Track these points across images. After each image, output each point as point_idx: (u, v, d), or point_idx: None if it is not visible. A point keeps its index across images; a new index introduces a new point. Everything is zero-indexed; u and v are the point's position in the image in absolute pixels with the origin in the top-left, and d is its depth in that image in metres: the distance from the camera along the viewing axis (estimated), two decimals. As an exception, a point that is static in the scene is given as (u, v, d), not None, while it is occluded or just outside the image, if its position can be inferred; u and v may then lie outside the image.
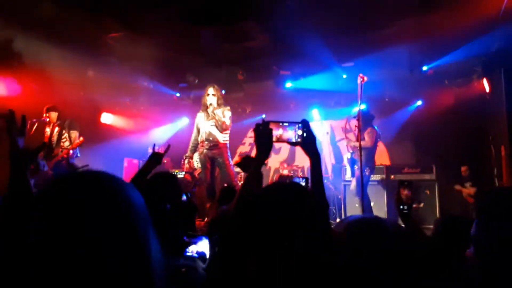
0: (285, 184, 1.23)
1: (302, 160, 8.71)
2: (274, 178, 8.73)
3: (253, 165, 1.64)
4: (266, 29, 6.55)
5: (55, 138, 6.13)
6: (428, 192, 6.81)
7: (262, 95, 9.33)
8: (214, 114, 5.32)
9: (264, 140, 1.63)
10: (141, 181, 2.11)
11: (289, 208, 1.10)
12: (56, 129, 6.15)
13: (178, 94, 9.42)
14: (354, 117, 5.93)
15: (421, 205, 6.72)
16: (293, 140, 1.67)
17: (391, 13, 5.90)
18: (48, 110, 6.19)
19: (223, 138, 5.42)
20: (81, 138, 6.08)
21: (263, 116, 9.88)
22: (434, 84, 7.81)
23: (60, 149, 6.05)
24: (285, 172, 7.99)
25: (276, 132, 1.67)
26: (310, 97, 9.12)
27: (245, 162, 1.92)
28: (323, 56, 7.27)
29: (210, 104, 5.35)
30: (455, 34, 6.09)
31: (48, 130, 6.21)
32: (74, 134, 6.15)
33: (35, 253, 0.64)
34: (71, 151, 6.02)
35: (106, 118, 9.24)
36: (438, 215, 6.43)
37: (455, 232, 1.98)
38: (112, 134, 9.07)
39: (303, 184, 2.41)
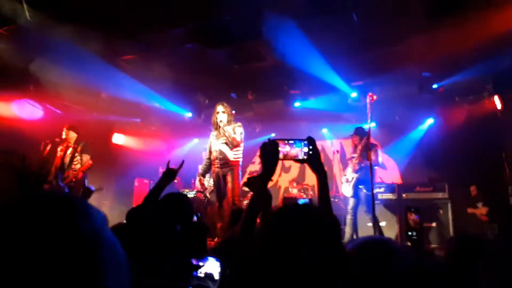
0: (289, 205, 1.25)
1: (312, 178, 8.65)
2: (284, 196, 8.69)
3: (258, 183, 1.65)
4: (276, 49, 6.63)
5: (67, 159, 6.16)
6: (441, 211, 6.70)
7: (271, 114, 9.37)
8: (224, 131, 5.28)
9: (270, 157, 1.65)
10: (154, 201, 2.12)
11: (292, 223, 1.11)
12: (70, 150, 6.18)
13: (190, 115, 9.50)
14: (350, 136, 6.43)
15: (433, 224, 6.60)
16: (300, 158, 1.69)
17: (400, 30, 5.93)
18: (69, 128, 6.24)
19: (233, 155, 5.33)
20: (90, 161, 6.10)
21: (273, 135, 9.92)
22: (444, 102, 7.79)
23: (71, 171, 6.08)
24: (295, 191, 7.95)
25: (283, 150, 1.69)
26: (319, 115, 9.14)
27: (252, 181, 1.93)
28: (332, 75, 7.32)
29: (220, 121, 5.31)
30: (465, 52, 6.09)
31: (59, 150, 6.23)
32: (86, 157, 6.17)
33: None
34: (80, 174, 6.05)
35: (118, 138, 9.35)
36: (451, 234, 6.30)
37: (470, 251, 1.95)
38: (123, 154, 9.17)
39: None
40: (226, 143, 5.30)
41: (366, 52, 6.67)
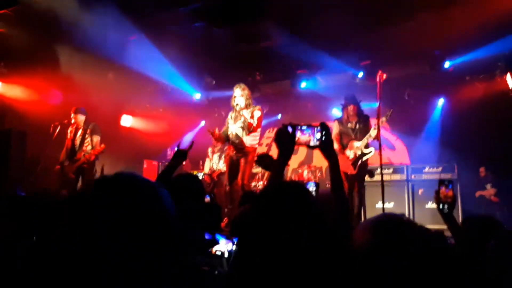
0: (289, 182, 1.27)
1: (320, 160, 8.66)
2: (293, 178, 8.71)
3: (273, 164, 1.66)
4: (283, 28, 6.53)
5: (78, 141, 6.12)
6: (450, 191, 6.67)
7: (278, 95, 9.32)
8: (241, 115, 5.12)
9: (286, 142, 1.65)
10: (166, 179, 2.15)
11: (292, 203, 1.12)
12: (80, 132, 6.15)
13: (198, 96, 9.45)
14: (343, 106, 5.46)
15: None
16: (312, 144, 1.69)
17: (412, 6, 5.80)
18: (76, 112, 6.15)
19: (250, 141, 5.16)
20: (103, 145, 6.05)
21: (279, 116, 9.89)
22: (455, 81, 7.65)
23: (82, 153, 6.02)
24: (304, 173, 7.96)
25: (295, 135, 1.69)
26: (327, 95, 9.06)
27: (264, 159, 1.94)
28: (340, 54, 7.22)
29: (237, 104, 5.15)
30: (477, 30, 5.95)
31: (69, 132, 6.21)
32: (96, 138, 6.12)
33: (67, 251, 0.67)
34: (93, 156, 6.02)
35: (126, 120, 9.39)
36: (460, 215, 6.30)
37: (481, 231, 1.94)
38: (131, 136, 9.20)
39: (313, 188, 2.42)
40: (242, 127, 5.14)
41: (375, 29, 6.54)
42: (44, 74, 6.92)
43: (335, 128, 5.39)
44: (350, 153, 5.25)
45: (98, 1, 5.40)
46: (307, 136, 1.68)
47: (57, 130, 6.25)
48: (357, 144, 5.21)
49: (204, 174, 7.50)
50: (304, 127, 1.69)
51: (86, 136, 6.10)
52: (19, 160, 6.59)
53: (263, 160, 1.92)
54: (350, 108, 5.26)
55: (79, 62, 7.03)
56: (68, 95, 7.19)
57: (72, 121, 6.15)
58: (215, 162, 7.48)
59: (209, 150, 7.81)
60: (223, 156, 7.03)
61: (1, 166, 6.20)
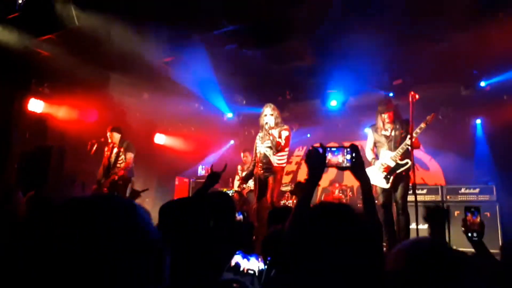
0: (338, 204, 1.24)
1: (351, 179, 8.53)
2: (323, 197, 8.62)
3: (306, 187, 1.67)
4: (314, 48, 6.59)
5: (113, 159, 6.40)
6: (488, 214, 6.40)
7: (308, 114, 9.33)
8: (270, 134, 5.12)
9: (317, 163, 1.66)
10: (200, 199, 2.20)
11: (335, 225, 1.11)
12: (115, 150, 6.42)
13: (230, 115, 9.61)
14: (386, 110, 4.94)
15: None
16: (343, 165, 1.70)
17: (446, 25, 5.71)
18: (112, 130, 6.47)
19: (277, 160, 5.13)
20: (128, 160, 6.28)
21: (308, 135, 9.86)
22: (492, 101, 7.43)
23: (116, 170, 6.30)
24: (336, 192, 7.86)
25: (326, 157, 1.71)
26: (358, 115, 8.99)
27: (298, 188, 1.95)
28: (372, 74, 7.18)
29: (266, 123, 5.17)
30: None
31: (106, 150, 6.49)
32: (129, 155, 6.36)
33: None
34: (121, 172, 6.25)
35: (159, 138, 9.64)
36: (500, 238, 6.01)
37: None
38: (164, 154, 9.42)
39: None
40: (270, 147, 5.14)
41: (407, 49, 6.49)
42: (83, 94, 7.25)
43: (369, 137, 5.14)
44: (379, 165, 4.85)
45: (134, 23, 5.64)
46: (338, 157, 1.69)
47: (95, 148, 6.52)
48: (390, 154, 4.81)
49: (234, 192, 7.58)
50: (334, 149, 1.71)
51: (121, 154, 6.35)
52: (58, 176, 6.90)
53: (298, 189, 1.95)
54: (385, 115, 4.89)
55: (116, 82, 7.35)
56: (105, 114, 7.49)
57: (109, 139, 6.43)
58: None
59: (239, 167, 7.94)
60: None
61: (40, 181, 6.49)
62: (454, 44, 6.11)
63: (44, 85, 7.12)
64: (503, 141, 7.19)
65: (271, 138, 5.09)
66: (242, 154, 8.08)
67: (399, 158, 4.75)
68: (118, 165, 6.33)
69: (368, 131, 5.19)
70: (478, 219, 2.01)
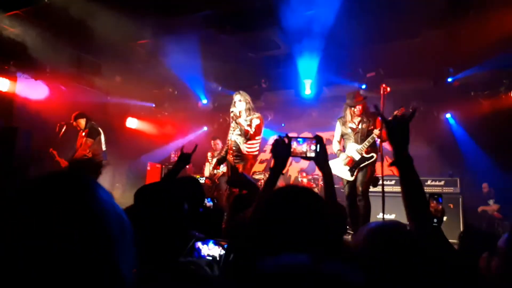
0: (297, 186, 1.26)
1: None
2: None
3: (270, 174, 1.71)
4: (290, 38, 6.60)
5: (79, 144, 6.30)
6: (451, 206, 6.66)
7: (283, 103, 9.38)
8: (237, 122, 5.12)
9: (281, 153, 1.71)
10: (171, 181, 2.18)
11: (300, 208, 1.13)
12: (83, 134, 6.28)
13: (205, 101, 9.51)
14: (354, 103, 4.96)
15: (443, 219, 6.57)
16: (308, 155, 1.74)
17: (418, 22, 5.84)
18: (76, 118, 6.31)
19: (247, 148, 5.12)
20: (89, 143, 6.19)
21: (282, 125, 9.93)
22: (459, 96, 7.68)
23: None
24: (305, 181, 7.97)
25: (292, 146, 1.75)
26: (332, 105, 9.10)
27: (235, 179, 1.97)
28: (346, 65, 7.27)
29: (231, 112, 5.16)
30: (482, 46, 5.99)
31: (78, 136, 6.39)
32: (89, 141, 6.22)
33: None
34: (81, 153, 6.15)
35: (131, 122, 9.46)
36: (461, 229, 6.28)
37: (479, 246, 1.96)
38: (136, 138, 9.27)
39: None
40: (240, 135, 5.14)
41: (381, 43, 6.61)
42: (52, 73, 7.01)
43: (337, 129, 5.19)
44: (345, 157, 4.91)
45: (109, 4, 5.47)
46: (303, 147, 1.75)
47: (63, 130, 6.35)
48: (356, 147, 4.87)
49: (205, 178, 7.58)
50: (299, 139, 1.76)
51: (84, 139, 6.20)
52: (24, 158, 6.67)
53: (235, 180, 1.97)
54: (356, 108, 4.88)
55: (88, 63, 7.13)
56: (74, 95, 7.27)
57: (77, 128, 6.32)
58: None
59: (209, 154, 7.95)
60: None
61: (6, 163, 6.27)
62: (425, 40, 6.26)
63: (10, 63, 6.82)
64: (469, 136, 7.46)
65: (239, 126, 5.09)
66: (212, 142, 8.05)
67: (365, 151, 4.82)
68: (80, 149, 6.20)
69: (336, 123, 5.23)
70: (441, 206, 2.11)
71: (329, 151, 1.90)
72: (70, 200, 0.66)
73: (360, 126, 4.94)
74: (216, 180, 7.44)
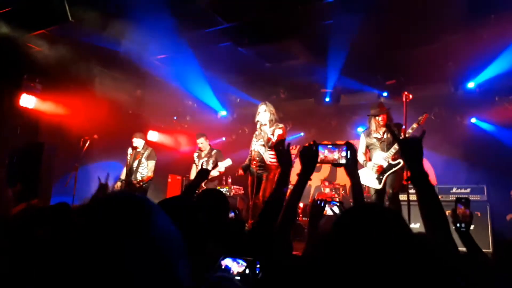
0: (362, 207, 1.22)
1: (344, 179, 8.58)
2: (315, 196, 8.65)
3: (297, 181, 1.71)
4: (308, 47, 6.61)
5: (135, 163, 6.74)
6: (479, 214, 6.47)
7: (302, 113, 9.36)
8: (262, 130, 5.17)
9: (309, 160, 1.71)
10: (190, 196, 2.20)
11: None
12: (138, 155, 6.77)
13: (224, 113, 9.61)
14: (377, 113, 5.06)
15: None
16: (338, 162, 1.73)
17: (438, 28, 5.77)
18: (137, 137, 6.85)
19: (270, 158, 5.17)
20: (151, 175, 6.77)
21: (301, 134, 9.90)
22: (483, 102, 7.51)
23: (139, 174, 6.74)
24: (327, 190, 7.90)
25: (321, 154, 1.74)
26: (351, 114, 9.04)
27: (282, 150, 1.95)
28: (365, 73, 7.22)
29: (257, 121, 5.21)
30: (504, 51, 5.87)
31: (129, 154, 6.86)
32: (151, 163, 6.81)
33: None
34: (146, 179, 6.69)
35: (152, 136, 9.60)
36: (490, 238, 6.08)
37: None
38: (157, 151, 9.39)
39: (337, 209, 2.40)
40: (263, 145, 5.18)
41: (400, 50, 6.54)
42: (76, 90, 7.20)
43: (361, 142, 5.25)
44: (372, 165, 4.96)
45: (128, 21, 5.61)
46: (334, 154, 1.74)
47: (87, 144, 6.50)
48: (383, 155, 4.93)
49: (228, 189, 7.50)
50: (330, 146, 1.75)
51: (143, 160, 6.74)
52: (49, 172, 6.87)
53: (279, 146, 1.96)
54: (379, 117, 4.99)
55: (110, 79, 7.30)
56: (97, 110, 7.43)
57: (134, 144, 6.80)
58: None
59: (195, 155, 7.21)
60: (210, 162, 6.59)
61: (32, 177, 6.45)
62: (447, 45, 6.17)
63: (36, 81, 7.05)
64: (495, 141, 7.27)
65: (262, 134, 5.12)
66: (197, 141, 7.26)
67: (392, 158, 4.87)
68: (140, 170, 6.73)
69: (361, 137, 5.30)
70: (469, 211, 2.04)
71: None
72: (136, 217, 0.74)
73: (385, 136, 5.00)
74: (203, 185, 6.77)
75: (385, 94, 7.76)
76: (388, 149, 4.90)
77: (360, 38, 5.84)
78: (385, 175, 4.89)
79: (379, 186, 4.92)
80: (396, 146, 4.78)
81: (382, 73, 7.45)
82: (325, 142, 1.81)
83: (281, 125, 5.28)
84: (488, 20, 5.51)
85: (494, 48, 6.03)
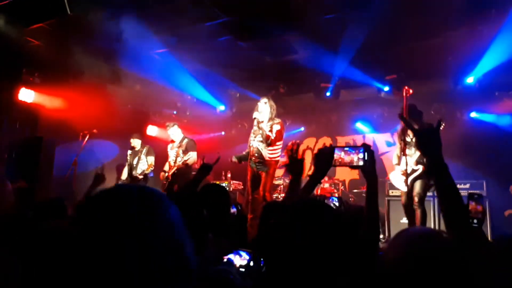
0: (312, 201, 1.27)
1: (343, 174, 8.59)
2: (315, 191, 8.65)
3: (309, 182, 1.71)
4: (308, 42, 6.58)
5: (134, 161, 6.97)
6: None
7: (302, 107, 9.34)
8: (259, 127, 5.16)
9: (323, 164, 1.70)
10: (192, 191, 2.19)
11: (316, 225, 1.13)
12: (137, 153, 6.99)
13: (223, 108, 9.60)
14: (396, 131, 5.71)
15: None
16: (355, 164, 1.72)
17: (441, 23, 5.75)
18: (133, 138, 7.07)
19: (269, 154, 5.17)
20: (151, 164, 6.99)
21: (302, 128, 9.89)
22: (483, 97, 7.50)
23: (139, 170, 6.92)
24: (326, 185, 7.90)
25: (337, 156, 1.73)
26: (351, 109, 9.03)
27: (294, 164, 1.96)
28: (365, 68, 7.20)
29: (254, 118, 5.21)
30: (504, 47, 5.86)
31: (129, 154, 7.11)
32: (150, 159, 6.98)
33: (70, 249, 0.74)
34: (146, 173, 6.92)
35: (152, 130, 9.58)
36: (489, 233, 6.10)
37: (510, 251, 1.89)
38: (157, 146, 9.37)
39: (337, 204, 2.40)
40: (261, 141, 5.17)
41: (400, 45, 6.52)
42: (74, 84, 7.17)
43: (397, 142, 5.40)
44: (399, 169, 5.21)
45: (127, 15, 5.58)
46: (351, 156, 1.72)
47: (86, 138, 6.49)
48: (409, 159, 5.08)
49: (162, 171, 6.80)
50: (347, 148, 1.74)
51: (142, 157, 6.96)
52: (48, 167, 6.85)
53: (293, 165, 1.95)
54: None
55: (108, 73, 7.27)
56: (96, 104, 7.40)
57: (132, 144, 7.03)
58: (172, 160, 6.63)
59: (168, 146, 6.90)
60: (181, 152, 6.47)
61: (32, 171, 6.43)
62: (447, 41, 6.15)
63: (35, 75, 7.01)
64: (495, 137, 7.27)
65: (260, 131, 5.11)
66: (168, 132, 6.89)
67: (414, 163, 5.06)
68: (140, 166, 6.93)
69: (394, 136, 5.60)
70: (482, 207, 2.03)
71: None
72: (152, 207, 0.80)
73: (414, 140, 5.13)
74: (169, 176, 6.51)
75: (386, 88, 7.75)
76: (414, 153, 5.07)
77: (361, 33, 5.81)
78: (409, 179, 5.07)
79: (405, 189, 5.12)
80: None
81: (382, 68, 7.43)
82: (341, 145, 1.79)
83: (278, 120, 5.24)
84: (488, 14, 5.49)
85: (493, 42, 6.01)
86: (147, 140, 7.35)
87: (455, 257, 0.92)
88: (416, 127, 1.57)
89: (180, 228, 0.81)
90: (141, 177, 6.82)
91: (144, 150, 7.01)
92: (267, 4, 5.41)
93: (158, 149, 7.43)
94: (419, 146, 1.50)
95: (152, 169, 6.99)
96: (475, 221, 1.99)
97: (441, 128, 1.53)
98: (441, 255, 0.92)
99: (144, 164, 6.91)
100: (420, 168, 5.03)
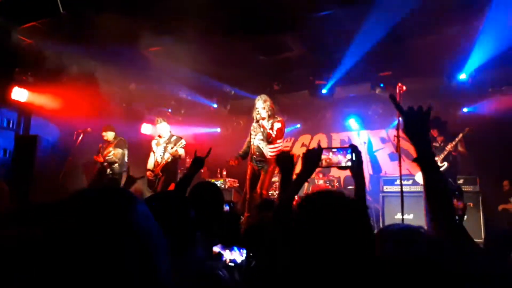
0: (330, 192, 1.24)
1: (338, 171, 8.61)
2: (310, 189, 8.68)
3: (296, 180, 1.72)
4: (303, 39, 6.58)
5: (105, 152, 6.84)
6: (471, 204, 6.54)
7: (297, 105, 9.36)
8: (261, 125, 5.16)
9: (311, 164, 1.74)
10: (184, 187, 2.19)
11: (332, 215, 1.11)
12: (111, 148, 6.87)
13: (215, 105, 9.61)
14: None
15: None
16: (343, 165, 1.75)
17: (437, 19, 5.76)
18: (106, 131, 6.94)
19: (270, 152, 5.17)
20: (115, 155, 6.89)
21: (297, 126, 9.91)
22: (477, 93, 7.55)
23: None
24: (321, 182, 7.93)
25: (325, 157, 1.76)
26: (346, 106, 9.05)
27: (283, 158, 1.97)
28: (360, 65, 7.21)
29: (258, 114, 5.20)
30: (498, 44, 5.89)
31: (105, 146, 6.95)
32: (117, 151, 6.90)
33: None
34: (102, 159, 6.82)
35: (146, 129, 9.56)
36: (482, 229, 6.16)
37: (504, 244, 1.92)
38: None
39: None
40: (262, 139, 5.18)
41: (395, 41, 6.53)
42: (68, 83, 7.13)
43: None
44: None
45: (121, 13, 5.55)
46: (338, 157, 1.75)
47: (80, 138, 6.47)
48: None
49: (147, 170, 6.62)
50: (334, 149, 1.77)
51: (110, 149, 6.85)
52: (43, 166, 6.82)
53: (283, 159, 1.96)
54: (433, 132, 5.91)
55: (102, 72, 7.24)
56: (90, 103, 7.38)
57: (105, 138, 6.91)
58: (159, 155, 6.48)
59: (153, 142, 6.71)
60: (169, 147, 6.34)
61: (26, 172, 6.41)
62: (442, 37, 6.17)
63: (27, 74, 6.97)
64: (488, 133, 7.31)
65: (261, 129, 5.11)
66: (157, 127, 6.81)
67: (440, 161, 5.72)
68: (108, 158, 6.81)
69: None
70: (462, 204, 2.06)
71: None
72: (113, 212, 0.76)
73: (441, 145, 5.92)
74: (160, 173, 6.35)
75: (380, 85, 7.78)
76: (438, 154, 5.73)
77: (355, 30, 5.82)
78: None
79: None
80: (444, 152, 5.76)
81: (376, 64, 7.44)
82: (328, 146, 1.83)
83: (279, 118, 5.25)
84: (483, 12, 5.51)
85: (479, 37, 6.04)
86: (141, 138, 7.32)
87: (437, 253, 0.94)
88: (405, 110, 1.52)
89: (147, 236, 0.77)
90: (105, 164, 6.82)
91: (115, 142, 6.97)
92: (261, 1, 5.40)
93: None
94: (406, 128, 1.44)
95: (118, 159, 6.89)
96: (456, 218, 2.02)
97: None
98: (423, 251, 0.94)
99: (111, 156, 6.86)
100: (445, 164, 5.57)
